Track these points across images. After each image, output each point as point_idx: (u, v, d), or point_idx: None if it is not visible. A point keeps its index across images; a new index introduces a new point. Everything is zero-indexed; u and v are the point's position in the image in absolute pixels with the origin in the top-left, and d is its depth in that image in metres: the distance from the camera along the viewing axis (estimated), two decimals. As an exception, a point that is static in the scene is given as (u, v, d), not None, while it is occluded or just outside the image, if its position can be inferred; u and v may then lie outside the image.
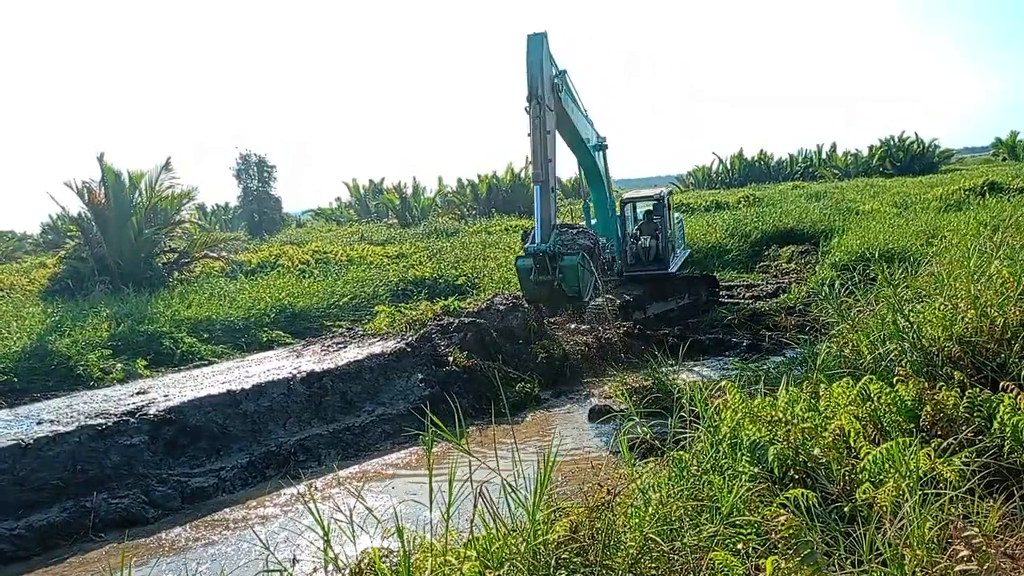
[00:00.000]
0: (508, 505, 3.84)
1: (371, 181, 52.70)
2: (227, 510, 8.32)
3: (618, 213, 16.04)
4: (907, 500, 3.59)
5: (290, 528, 7.12)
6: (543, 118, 11.78)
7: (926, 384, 5.06)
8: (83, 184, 20.27)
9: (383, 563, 3.69)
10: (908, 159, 52.08)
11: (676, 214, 18.35)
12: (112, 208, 20.26)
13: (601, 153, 15.26)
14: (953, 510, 3.63)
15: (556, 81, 12.38)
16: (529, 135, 11.89)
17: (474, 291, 18.69)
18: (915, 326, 5.80)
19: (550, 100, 12.00)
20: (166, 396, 10.00)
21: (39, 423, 9.06)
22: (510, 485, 3.83)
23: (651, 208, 16.78)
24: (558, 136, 12.94)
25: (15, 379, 12.22)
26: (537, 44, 11.90)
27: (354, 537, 3.76)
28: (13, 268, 26.77)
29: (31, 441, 8.38)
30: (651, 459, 5.50)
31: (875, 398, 4.97)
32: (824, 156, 57.49)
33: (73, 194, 20.32)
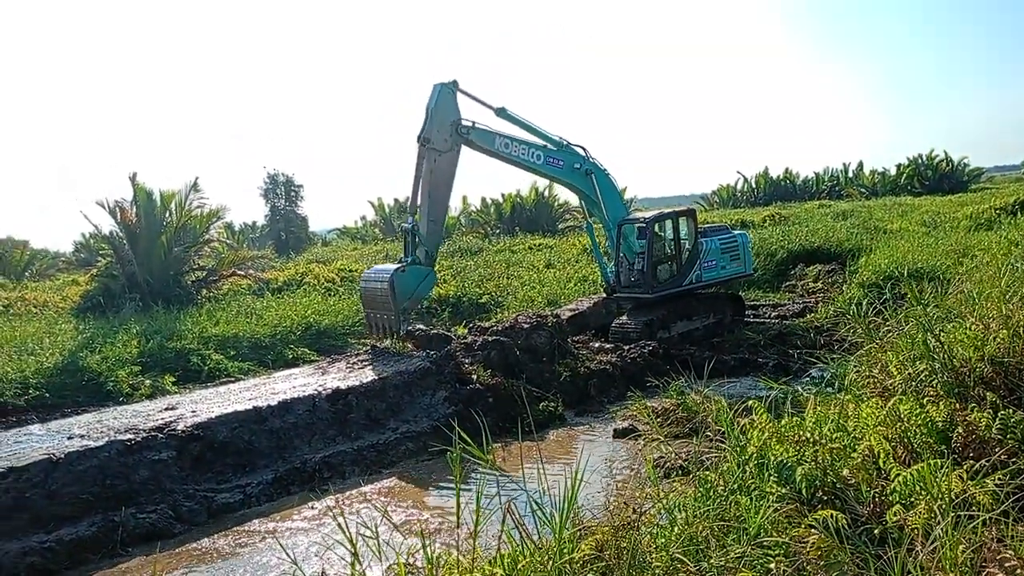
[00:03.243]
0: (534, 523, 3.83)
1: (396, 200, 53.01)
2: (253, 524, 8.37)
3: (615, 235, 15.94)
4: (939, 523, 3.53)
5: (318, 543, 7.16)
6: (425, 159, 13.39)
7: (957, 405, 4.97)
8: (115, 203, 20.71)
9: (409, 579, 3.70)
10: (937, 177, 51.42)
11: (739, 231, 18.02)
12: (143, 227, 20.65)
13: (591, 177, 15.33)
14: (987, 533, 3.56)
15: (465, 124, 13.82)
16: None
17: (498, 309, 18.73)
18: (946, 346, 5.71)
19: (442, 144, 13.54)
20: (194, 412, 10.12)
21: (70, 438, 9.21)
22: (536, 503, 3.83)
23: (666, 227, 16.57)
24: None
25: (47, 394, 12.45)
26: (436, 92, 13.50)
27: (380, 553, 3.77)
28: (46, 286, 27.28)
29: (62, 456, 8.52)
30: (676, 479, 5.47)
31: (905, 419, 4.89)
32: (850, 174, 57.00)
33: (105, 213, 20.78)
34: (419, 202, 13.63)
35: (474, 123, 13.97)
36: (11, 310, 19.99)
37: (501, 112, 14.48)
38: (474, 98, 14.19)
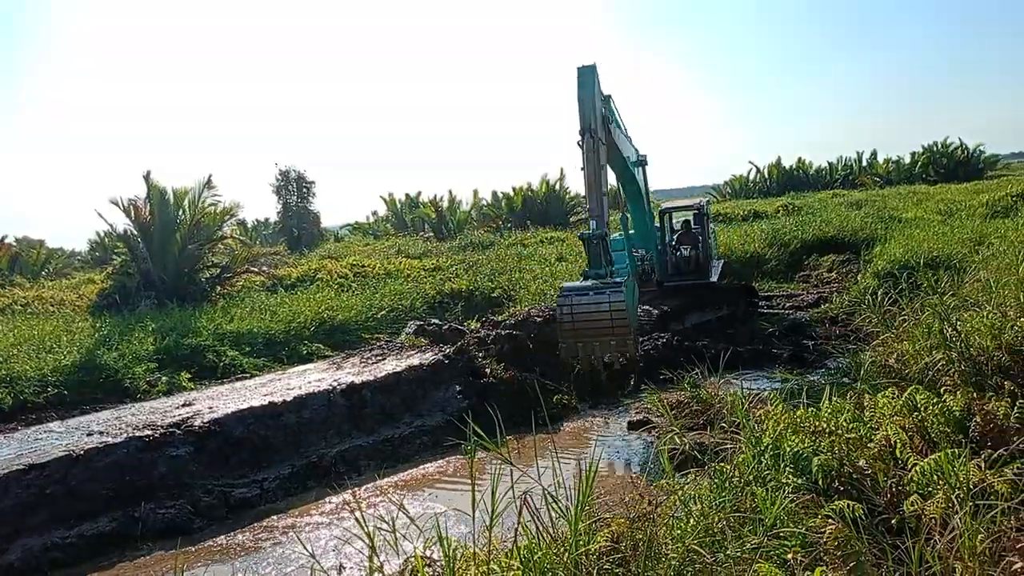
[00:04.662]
0: (549, 515, 3.84)
1: (407, 195, 53.21)
2: (271, 519, 8.44)
3: (657, 224, 16.04)
4: (957, 512, 3.52)
5: (336, 537, 7.21)
6: (597, 152, 11.57)
7: (975, 394, 4.95)
8: (129, 201, 20.84)
9: (426, 571, 3.72)
10: (952, 165, 50.94)
11: (711, 224, 18.30)
12: (157, 225, 20.78)
13: (640, 169, 15.29)
14: (1006, 522, 3.54)
15: (605, 112, 12.28)
16: (582, 169, 11.63)
17: (510, 303, 18.73)
18: (963, 335, 5.68)
19: (602, 133, 11.84)
20: (210, 408, 10.19)
21: (89, 434, 9.30)
22: (551, 495, 3.84)
23: (690, 218, 16.91)
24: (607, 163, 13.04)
25: (65, 392, 12.55)
26: (588, 77, 11.76)
27: (397, 546, 3.80)
28: (63, 284, 27.51)
29: (81, 452, 8.61)
30: (691, 470, 5.47)
31: (922, 408, 4.87)
32: (864, 164, 56.56)
33: (119, 211, 20.91)
34: (594, 204, 11.52)
35: (609, 103, 12.89)
36: (28, 309, 20.16)
37: (607, 101, 13.39)
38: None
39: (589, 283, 11.06)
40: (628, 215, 16.45)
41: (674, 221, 17.17)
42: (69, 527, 8.01)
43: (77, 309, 20.22)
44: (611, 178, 14.61)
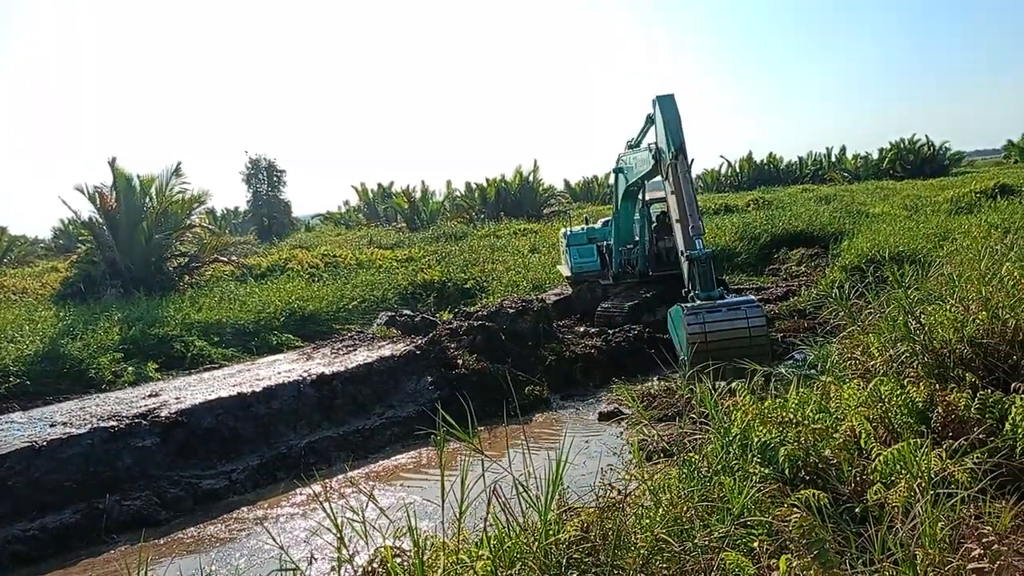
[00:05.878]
0: (520, 505, 3.85)
1: (380, 185, 52.90)
2: (240, 511, 8.37)
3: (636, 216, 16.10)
4: (919, 500, 3.59)
5: (306, 528, 7.17)
6: (689, 171, 12.00)
7: (937, 386, 5.05)
8: (95, 189, 20.46)
9: (396, 562, 3.72)
10: (919, 162, 51.88)
11: None
12: (123, 212, 20.43)
13: None
14: (965, 510, 3.62)
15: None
16: (673, 193, 11.90)
17: (483, 294, 18.73)
18: (926, 328, 5.78)
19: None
20: (177, 399, 10.07)
21: (52, 425, 9.14)
22: (522, 485, 3.85)
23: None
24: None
25: (28, 382, 12.32)
26: (670, 101, 12.23)
27: (367, 537, 3.78)
28: (25, 272, 26.98)
29: (44, 443, 8.46)
30: (660, 460, 5.51)
31: (886, 399, 4.96)
32: (834, 159, 57.41)
33: (84, 199, 20.52)
34: (697, 222, 11.53)
35: None
36: (-10, 297, 19.76)
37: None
38: None
39: (714, 302, 10.75)
40: (620, 210, 16.55)
41: (651, 212, 17.20)
42: (31, 520, 7.87)
43: (40, 298, 19.84)
44: (607, 173, 14.67)
